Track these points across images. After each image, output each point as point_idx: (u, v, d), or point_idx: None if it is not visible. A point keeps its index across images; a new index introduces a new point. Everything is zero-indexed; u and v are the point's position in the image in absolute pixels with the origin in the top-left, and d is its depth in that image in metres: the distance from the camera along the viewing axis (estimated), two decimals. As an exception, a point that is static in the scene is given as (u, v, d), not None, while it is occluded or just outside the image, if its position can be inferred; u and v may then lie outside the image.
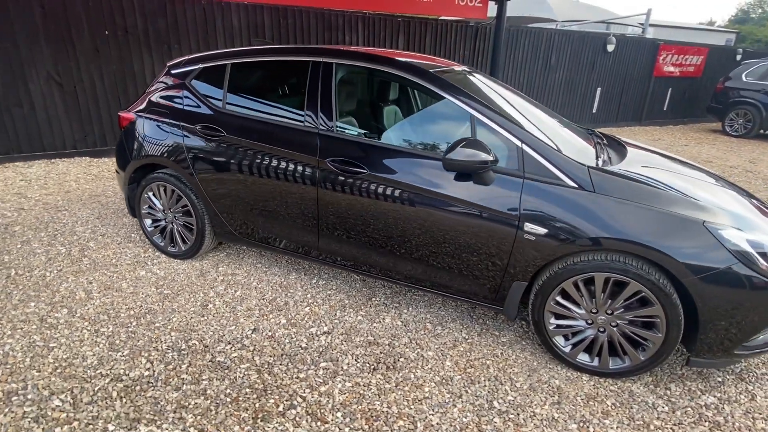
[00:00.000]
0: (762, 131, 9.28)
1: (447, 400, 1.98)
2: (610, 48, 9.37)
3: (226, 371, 2.10)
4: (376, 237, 2.42)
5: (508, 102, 2.59)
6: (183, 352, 2.21)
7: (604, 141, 2.80)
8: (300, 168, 2.49)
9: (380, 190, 2.31)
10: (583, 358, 2.16)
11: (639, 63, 10.02)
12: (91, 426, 1.76)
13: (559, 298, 2.10)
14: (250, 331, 2.39)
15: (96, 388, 1.95)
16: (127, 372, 2.06)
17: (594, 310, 2.06)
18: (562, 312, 2.13)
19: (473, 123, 2.19)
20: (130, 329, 2.36)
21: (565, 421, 1.89)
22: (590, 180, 2.01)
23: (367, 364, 2.18)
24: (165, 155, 2.87)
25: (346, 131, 2.48)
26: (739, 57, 11.37)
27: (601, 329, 2.09)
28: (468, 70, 2.90)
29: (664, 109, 10.94)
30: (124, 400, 1.89)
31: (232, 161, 2.67)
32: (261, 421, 1.83)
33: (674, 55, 10.34)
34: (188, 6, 5.57)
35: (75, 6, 5.00)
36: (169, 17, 5.52)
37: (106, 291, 2.70)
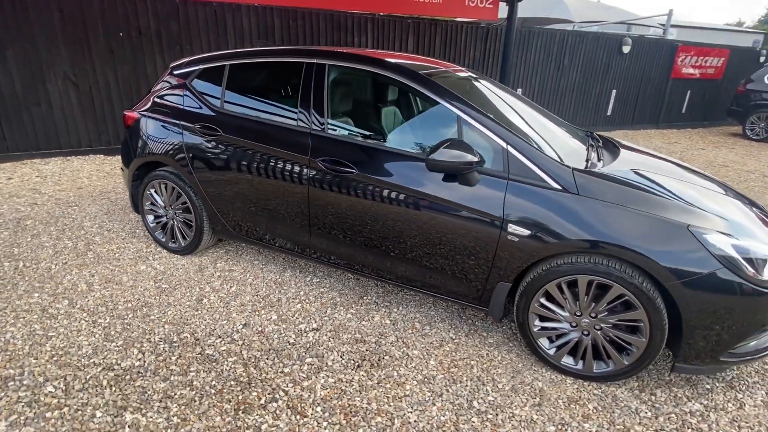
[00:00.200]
0: (784, 135, 9.00)
1: (427, 399, 2.00)
2: (626, 49, 9.20)
3: (214, 364, 2.15)
4: (365, 236, 2.45)
5: (502, 104, 2.59)
6: (174, 344, 2.28)
7: (599, 143, 2.77)
8: (292, 167, 2.53)
9: (368, 189, 2.34)
10: (568, 360, 2.14)
11: (656, 64, 9.81)
12: (80, 412, 1.84)
13: (543, 300, 2.10)
14: (241, 326, 2.45)
15: (88, 377, 2.03)
16: (119, 362, 2.13)
17: (578, 313, 2.05)
18: (547, 314, 2.12)
19: (460, 124, 2.21)
20: (126, 321, 2.44)
21: (544, 423, 1.89)
22: (574, 182, 2.00)
23: (352, 361, 2.21)
24: (166, 153, 2.96)
25: (337, 131, 2.52)
26: (762, 59, 11.03)
27: (585, 332, 2.07)
28: (465, 71, 2.91)
29: (683, 111, 10.69)
30: (114, 389, 1.97)
31: (228, 160, 2.74)
32: (242, 413, 1.88)
33: (693, 56, 10.09)
34: (200, 8, 5.71)
35: (91, 9, 5.18)
36: (182, 19, 5.66)
37: (106, 284, 2.79)
